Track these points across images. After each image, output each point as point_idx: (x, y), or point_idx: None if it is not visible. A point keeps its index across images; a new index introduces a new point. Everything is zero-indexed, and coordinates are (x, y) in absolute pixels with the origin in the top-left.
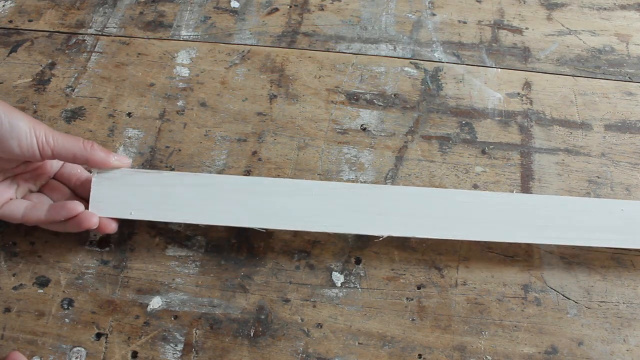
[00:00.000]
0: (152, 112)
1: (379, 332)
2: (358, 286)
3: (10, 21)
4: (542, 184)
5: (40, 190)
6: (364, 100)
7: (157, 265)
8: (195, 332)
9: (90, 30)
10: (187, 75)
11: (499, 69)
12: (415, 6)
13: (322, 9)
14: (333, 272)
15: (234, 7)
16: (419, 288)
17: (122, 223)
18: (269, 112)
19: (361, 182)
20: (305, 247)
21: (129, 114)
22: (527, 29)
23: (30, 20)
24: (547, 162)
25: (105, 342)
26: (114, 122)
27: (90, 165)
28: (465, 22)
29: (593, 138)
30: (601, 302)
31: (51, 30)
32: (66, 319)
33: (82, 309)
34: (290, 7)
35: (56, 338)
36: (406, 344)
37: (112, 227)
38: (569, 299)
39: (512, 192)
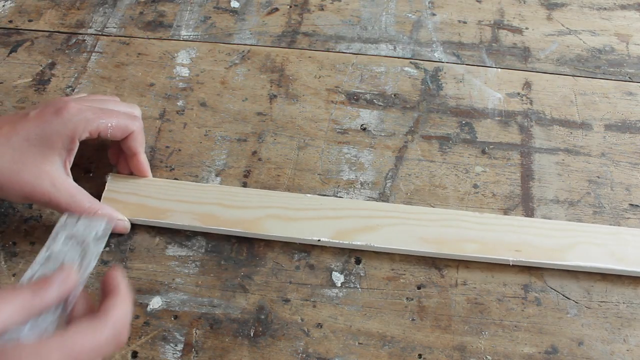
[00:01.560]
0: (152, 112)
1: (379, 332)
2: (358, 286)
3: (10, 21)
4: (542, 184)
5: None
6: (364, 100)
7: (157, 265)
8: (195, 332)
9: (90, 30)
10: (187, 75)
11: (499, 69)
12: (415, 6)
13: (322, 9)
14: (333, 272)
15: (234, 7)
16: (419, 288)
17: None
18: (269, 112)
19: (361, 182)
20: (305, 247)
21: None
22: (527, 29)
23: (30, 20)
24: (547, 162)
25: None
26: None
27: None
28: (465, 22)
29: (593, 138)
30: (601, 302)
31: (51, 30)
32: None
33: None
34: (290, 7)
35: None
36: (406, 344)
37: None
38: (569, 299)
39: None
